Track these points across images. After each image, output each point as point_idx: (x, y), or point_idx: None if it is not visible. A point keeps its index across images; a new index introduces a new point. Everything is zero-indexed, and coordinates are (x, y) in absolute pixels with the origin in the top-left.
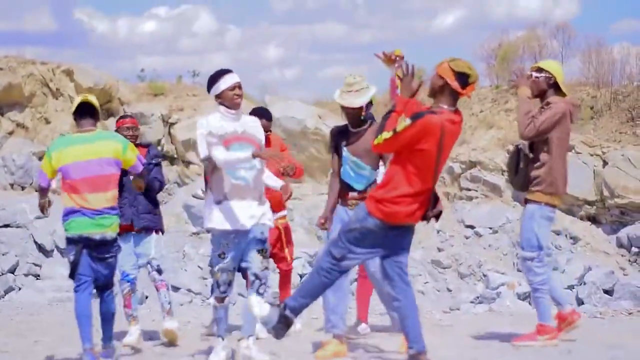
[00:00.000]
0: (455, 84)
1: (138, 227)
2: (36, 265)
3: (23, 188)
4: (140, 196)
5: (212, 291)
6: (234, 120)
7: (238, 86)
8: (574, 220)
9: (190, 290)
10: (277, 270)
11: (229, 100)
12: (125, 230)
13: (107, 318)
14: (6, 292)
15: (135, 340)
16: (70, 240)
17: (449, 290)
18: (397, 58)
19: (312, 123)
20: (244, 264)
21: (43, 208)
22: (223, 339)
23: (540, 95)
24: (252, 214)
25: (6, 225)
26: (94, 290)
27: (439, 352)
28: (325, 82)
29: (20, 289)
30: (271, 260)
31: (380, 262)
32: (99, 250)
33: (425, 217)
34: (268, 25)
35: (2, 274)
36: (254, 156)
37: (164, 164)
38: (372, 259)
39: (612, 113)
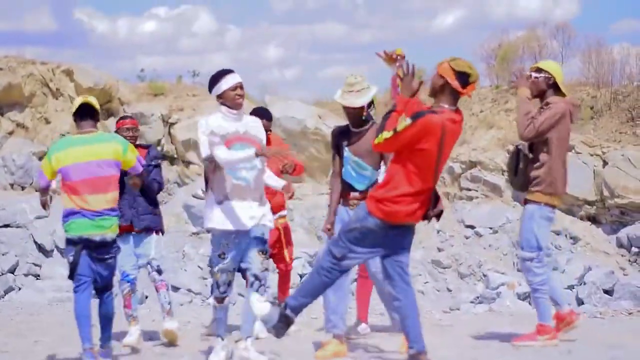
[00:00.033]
0: (455, 84)
1: (138, 228)
2: (36, 265)
3: (23, 188)
4: (140, 197)
5: (212, 291)
6: (235, 121)
7: (240, 86)
8: (574, 220)
9: (190, 290)
10: (277, 271)
11: (230, 101)
12: (125, 230)
13: (106, 319)
14: (6, 292)
15: (135, 340)
16: (69, 241)
17: (449, 290)
18: (398, 57)
19: (312, 123)
20: (243, 265)
21: (44, 205)
22: (223, 339)
23: (540, 95)
24: (253, 215)
25: (6, 225)
26: (93, 291)
27: (439, 352)
28: (325, 82)
29: (20, 289)
30: (271, 260)
31: (381, 262)
32: (99, 251)
33: (426, 217)
34: (268, 25)
35: (2, 274)
36: (257, 155)
37: (164, 164)
38: (373, 259)
39: (612, 113)
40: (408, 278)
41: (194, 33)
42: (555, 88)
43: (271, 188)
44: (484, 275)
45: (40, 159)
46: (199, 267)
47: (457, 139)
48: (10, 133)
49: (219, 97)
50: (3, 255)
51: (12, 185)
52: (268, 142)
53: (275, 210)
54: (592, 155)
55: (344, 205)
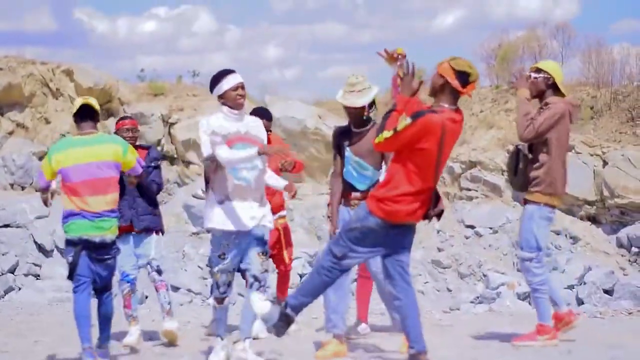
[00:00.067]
0: (455, 83)
1: (138, 228)
2: (36, 265)
3: (23, 188)
4: (139, 198)
5: (212, 292)
6: (237, 121)
7: (241, 86)
8: (574, 220)
9: (190, 290)
10: (276, 271)
11: (232, 101)
12: (124, 231)
13: (105, 319)
14: (6, 292)
15: (135, 340)
16: (69, 242)
17: (449, 290)
18: (399, 56)
19: (312, 123)
20: (243, 266)
21: (46, 202)
22: (222, 339)
23: (539, 95)
24: (253, 215)
25: (6, 225)
26: (93, 292)
27: (439, 352)
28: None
29: (20, 289)
30: (270, 260)
31: (382, 261)
32: (98, 252)
33: (426, 216)
34: (268, 25)
35: (2, 274)
36: (260, 153)
37: (164, 164)
38: (374, 259)
39: (612, 113)
40: (409, 277)
41: (194, 33)
42: (555, 88)
43: (270, 188)
44: (484, 275)
45: (40, 159)
46: (199, 267)
47: (458, 139)
48: (10, 133)
49: (220, 97)
50: (3, 255)
51: (12, 185)
52: (268, 142)
53: (274, 210)
54: (592, 155)
55: (345, 206)
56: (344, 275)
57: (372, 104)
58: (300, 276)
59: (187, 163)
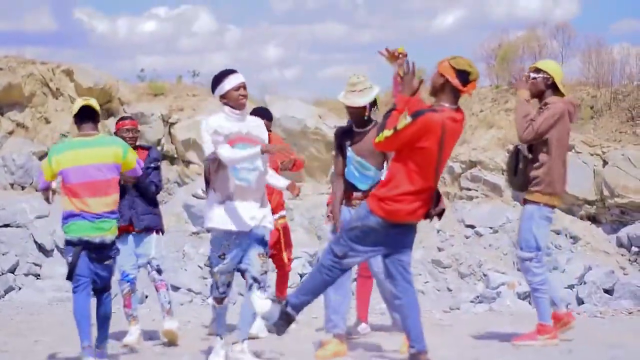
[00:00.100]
0: (456, 82)
1: (138, 228)
2: (36, 265)
3: (23, 188)
4: (139, 198)
5: (211, 292)
6: (238, 121)
7: (243, 86)
8: (574, 220)
9: (190, 289)
10: (276, 270)
11: (234, 101)
12: (124, 230)
13: (104, 319)
14: (6, 291)
15: (135, 340)
16: (69, 243)
17: (449, 290)
18: (400, 55)
19: (312, 123)
20: (243, 266)
21: (48, 199)
22: (222, 338)
23: (539, 95)
24: (254, 216)
25: (6, 225)
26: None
27: (439, 352)
28: (325, 82)
29: (20, 288)
30: (270, 260)
31: (383, 261)
32: (98, 252)
33: (428, 215)
34: (268, 25)
35: (2, 274)
36: (263, 152)
37: (164, 163)
38: (376, 259)
39: (612, 113)
40: (410, 277)
41: (194, 33)
42: (554, 88)
43: (269, 187)
44: (484, 275)
45: (41, 158)
46: (199, 266)
47: (458, 138)
48: (10, 133)
49: (222, 97)
50: (3, 255)
51: (12, 185)
52: (269, 142)
53: (274, 210)
54: (592, 154)
55: (347, 205)
56: (344, 275)
57: (374, 103)
58: (301, 276)
59: (187, 163)
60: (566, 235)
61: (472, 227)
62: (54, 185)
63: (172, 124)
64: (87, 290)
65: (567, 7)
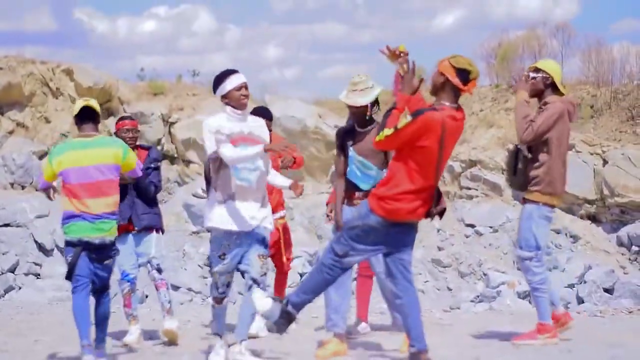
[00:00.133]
0: (456, 80)
1: (138, 227)
2: (36, 264)
3: (23, 187)
4: (138, 198)
5: (211, 292)
6: (240, 121)
7: (245, 86)
8: (574, 219)
9: (191, 289)
10: (275, 270)
11: (235, 101)
12: (124, 230)
13: (102, 319)
14: (6, 291)
15: (135, 339)
16: (69, 243)
17: (449, 289)
18: (401, 54)
19: (312, 122)
20: (242, 267)
21: (49, 196)
22: (221, 338)
23: (538, 95)
24: (254, 216)
25: (6, 225)
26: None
27: (439, 351)
28: (325, 81)
29: (20, 288)
30: (269, 260)
31: (384, 260)
32: (98, 253)
33: (429, 214)
34: (268, 25)
35: (2, 273)
36: (266, 150)
37: (164, 163)
38: (378, 259)
39: (612, 112)
40: (410, 276)
41: (194, 32)
42: (554, 87)
43: (268, 186)
44: (484, 274)
45: (41, 158)
46: (199, 266)
47: (459, 137)
48: (11, 132)
49: (224, 97)
50: (3, 254)
51: (12, 184)
52: (270, 141)
53: (274, 209)
54: (592, 154)
55: (348, 205)
56: (345, 274)
57: (376, 103)
58: (301, 275)
59: (187, 162)
60: (566, 234)
61: (472, 226)
62: (54, 183)
63: (172, 123)
64: (86, 290)
65: (567, 7)
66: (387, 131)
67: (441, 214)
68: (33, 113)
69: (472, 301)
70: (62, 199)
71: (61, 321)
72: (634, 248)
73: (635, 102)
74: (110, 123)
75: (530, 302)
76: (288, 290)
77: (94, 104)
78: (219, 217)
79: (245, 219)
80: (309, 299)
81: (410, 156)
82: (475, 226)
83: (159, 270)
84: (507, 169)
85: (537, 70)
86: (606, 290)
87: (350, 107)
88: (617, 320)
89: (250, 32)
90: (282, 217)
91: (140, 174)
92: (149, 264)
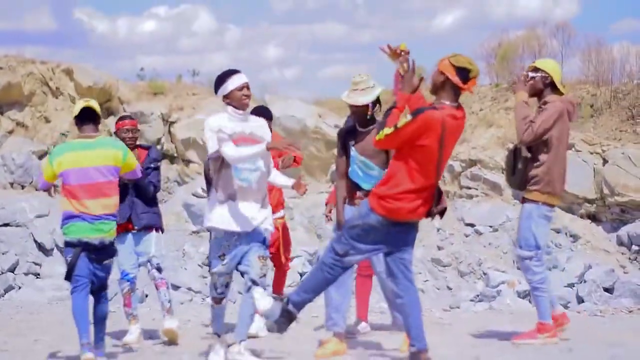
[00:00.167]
0: (456, 79)
1: (138, 226)
2: (36, 264)
3: (23, 187)
4: (137, 198)
5: (210, 292)
6: (241, 121)
7: (246, 86)
8: (574, 219)
9: (190, 288)
10: (274, 269)
11: (237, 101)
12: (123, 229)
13: (101, 319)
14: (6, 291)
15: (135, 339)
16: (68, 244)
17: (449, 289)
18: (402, 52)
19: (312, 122)
20: (242, 268)
21: (50, 193)
22: (219, 337)
23: (537, 94)
24: (255, 217)
25: (6, 224)
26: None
27: (439, 351)
28: (325, 81)
29: (20, 287)
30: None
31: (384, 259)
32: (97, 253)
33: (429, 214)
34: (268, 25)
35: (2, 273)
36: (269, 148)
37: (164, 162)
38: (379, 259)
39: (612, 111)
40: (411, 275)
41: (194, 32)
42: (553, 87)
43: (269, 185)
44: (484, 274)
45: (40, 157)
46: (198, 265)
47: (460, 136)
48: (10, 132)
49: (226, 97)
50: (3, 254)
51: (11, 184)
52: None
53: (273, 209)
54: (592, 153)
55: (350, 205)
56: (346, 273)
57: (377, 103)
58: (301, 275)
59: (187, 162)
60: (566, 233)
61: (472, 225)
62: (56, 182)
63: (172, 123)
64: (85, 290)
65: (567, 7)
66: (387, 130)
67: (442, 213)
68: (33, 113)
69: (472, 300)
70: (62, 199)
71: (61, 321)
72: (634, 247)
73: (635, 102)
74: (110, 123)
75: (530, 302)
76: (287, 290)
77: (95, 104)
78: (220, 217)
79: (246, 220)
80: (310, 298)
81: (410, 155)
82: (475, 225)
83: (159, 270)
84: (506, 168)
85: (536, 69)
86: (606, 290)
87: (351, 106)
88: (617, 319)
89: (250, 32)
90: (282, 217)
91: (140, 175)
92: (148, 263)
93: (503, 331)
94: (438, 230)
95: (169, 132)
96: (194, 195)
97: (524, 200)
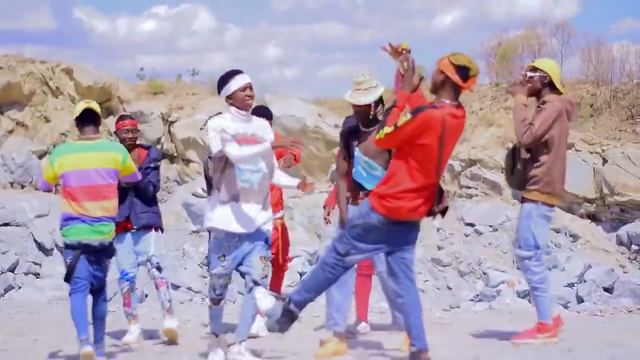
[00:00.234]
0: (456, 78)
1: (137, 226)
2: (36, 263)
3: (23, 187)
4: (136, 197)
5: (208, 293)
6: (244, 122)
7: (249, 87)
8: (573, 218)
9: (190, 288)
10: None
11: (240, 101)
12: (122, 228)
13: (100, 319)
14: (6, 290)
15: (135, 339)
16: (68, 246)
17: (449, 288)
18: (404, 51)
19: (312, 121)
20: (243, 269)
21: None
22: (217, 337)
23: (536, 94)
24: (256, 218)
25: (6, 224)
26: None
27: (439, 351)
28: (325, 81)
29: (20, 287)
30: None
31: (385, 259)
32: (97, 255)
33: (431, 213)
34: (268, 24)
35: (2, 273)
36: (273, 146)
37: (164, 162)
38: (380, 260)
39: (612, 111)
40: (412, 275)
41: (194, 32)
42: (552, 86)
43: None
44: (484, 273)
45: (40, 157)
46: (198, 265)
47: (460, 134)
48: (10, 132)
49: (228, 97)
50: (3, 254)
51: (11, 184)
52: None
53: (273, 209)
54: (591, 153)
55: (353, 205)
56: (347, 273)
57: (380, 103)
58: (300, 274)
59: (187, 161)
60: (566, 233)
61: (471, 225)
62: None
63: (172, 122)
64: (84, 292)
65: (567, 7)
66: (387, 129)
67: (443, 212)
68: (33, 112)
69: (471, 300)
70: (61, 200)
71: (61, 320)
72: (634, 247)
73: (634, 101)
74: (110, 122)
75: (530, 302)
76: (287, 290)
77: (95, 106)
78: (221, 218)
79: (248, 221)
80: (311, 297)
81: (410, 154)
82: (475, 225)
83: (159, 269)
84: (505, 168)
85: (534, 69)
86: (606, 290)
87: (354, 106)
88: (616, 319)
89: (250, 31)
90: (281, 218)
91: (139, 178)
92: (148, 262)
93: (503, 331)
94: (438, 230)
95: (169, 131)
96: (193, 195)
97: (523, 200)
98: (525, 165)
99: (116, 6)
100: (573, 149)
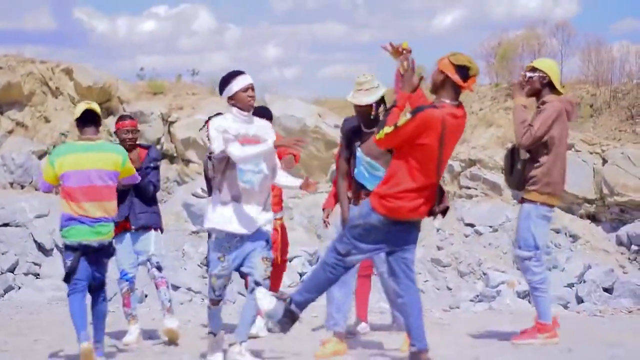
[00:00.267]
0: (456, 77)
1: (136, 226)
2: (36, 264)
3: (22, 187)
4: (136, 197)
5: (208, 294)
6: (246, 123)
7: (251, 88)
8: (573, 219)
9: (190, 289)
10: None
11: (242, 102)
12: (121, 228)
13: (100, 318)
14: (6, 291)
15: (135, 339)
16: (68, 247)
17: (449, 289)
18: (404, 51)
19: (312, 122)
20: (245, 269)
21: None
22: (215, 336)
23: (536, 94)
24: (257, 219)
25: (6, 224)
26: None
27: (439, 351)
28: (325, 81)
29: (20, 287)
30: None
31: (386, 259)
32: (97, 255)
33: (431, 213)
34: (268, 24)
35: (2, 273)
36: (276, 146)
37: (164, 162)
38: (381, 260)
39: (612, 111)
40: (413, 275)
41: (194, 32)
42: (551, 86)
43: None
44: (484, 274)
45: (40, 157)
46: (198, 265)
47: (461, 134)
48: (10, 132)
49: (230, 98)
50: (3, 254)
51: (11, 184)
52: None
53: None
54: (591, 153)
55: (355, 205)
56: (348, 273)
57: (382, 103)
58: (300, 275)
59: (187, 161)
60: (566, 233)
61: (471, 225)
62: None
63: (172, 122)
64: (83, 292)
65: (567, 7)
66: (387, 129)
67: (444, 212)
68: (32, 112)
69: (471, 301)
70: (61, 201)
71: (61, 320)
72: (634, 247)
73: (634, 101)
74: (109, 122)
75: (529, 302)
76: (287, 290)
77: (96, 107)
78: (222, 219)
79: (248, 221)
80: (313, 297)
81: (410, 154)
82: (474, 225)
83: (159, 269)
84: (504, 169)
85: (533, 69)
86: (606, 290)
87: (355, 106)
88: (616, 319)
89: (250, 31)
90: (280, 218)
91: (138, 179)
92: (148, 262)
93: (503, 331)
94: (438, 230)
95: (169, 131)
96: (193, 195)
97: (522, 201)
98: (524, 165)
99: (116, 6)
100: (573, 149)
